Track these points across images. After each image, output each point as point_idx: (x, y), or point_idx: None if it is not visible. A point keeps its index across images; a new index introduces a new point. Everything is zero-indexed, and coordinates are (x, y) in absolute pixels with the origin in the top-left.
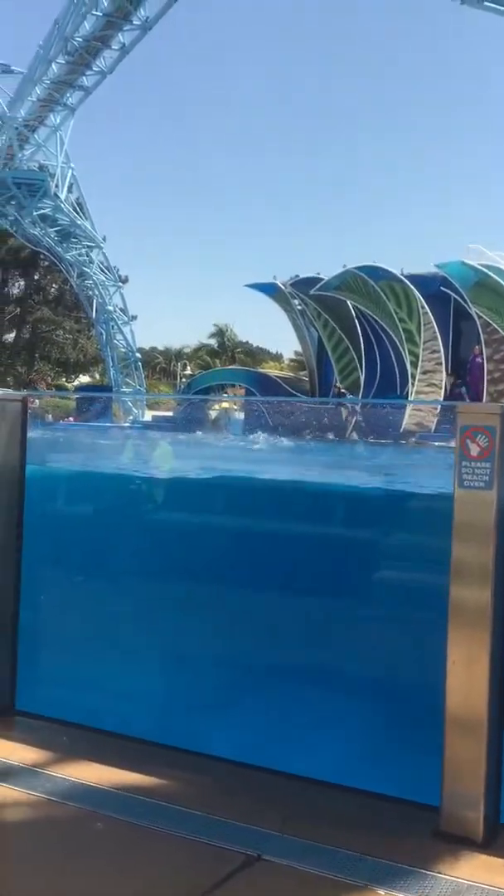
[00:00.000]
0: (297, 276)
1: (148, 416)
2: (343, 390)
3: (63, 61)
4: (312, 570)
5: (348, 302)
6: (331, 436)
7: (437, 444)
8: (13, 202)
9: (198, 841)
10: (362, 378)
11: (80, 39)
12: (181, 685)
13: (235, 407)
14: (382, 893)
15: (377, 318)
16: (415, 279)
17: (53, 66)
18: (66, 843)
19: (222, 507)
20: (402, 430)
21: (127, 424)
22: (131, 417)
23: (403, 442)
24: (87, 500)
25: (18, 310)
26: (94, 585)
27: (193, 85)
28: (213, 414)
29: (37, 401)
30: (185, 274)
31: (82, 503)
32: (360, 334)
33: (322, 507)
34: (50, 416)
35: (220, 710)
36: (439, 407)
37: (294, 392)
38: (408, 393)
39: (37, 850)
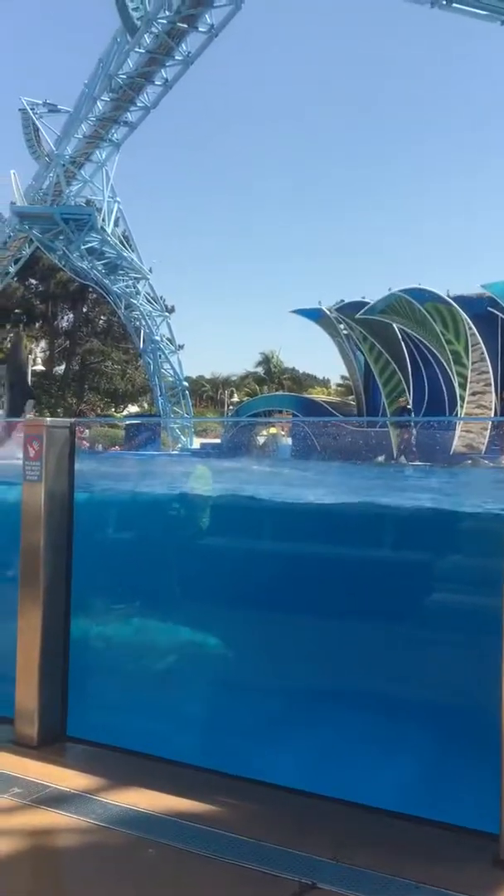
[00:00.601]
0: (342, 300)
1: (196, 443)
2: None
3: (108, 98)
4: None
5: (394, 325)
6: (381, 458)
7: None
8: (61, 237)
9: (251, 868)
10: (410, 401)
11: (124, 76)
12: (235, 710)
13: (283, 432)
14: None
15: (424, 341)
16: (461, 300)
17: (98, 103)
18: (118, 870)
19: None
20: (451, 453)
21: (175, 452)
22: (179, 445)
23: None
24: (140, 524)
25: (68, 342)
26: (141, 609)
27: (233, 113)
28: (260, 440)
29: (87, 430)
30: (231, 302)
31: (135, 526)
32: (407, 357)
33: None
34: (100, 445)
35: (271, 736)
36: (490, 426)
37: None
38: (457, 415)
39: (89, 877)
